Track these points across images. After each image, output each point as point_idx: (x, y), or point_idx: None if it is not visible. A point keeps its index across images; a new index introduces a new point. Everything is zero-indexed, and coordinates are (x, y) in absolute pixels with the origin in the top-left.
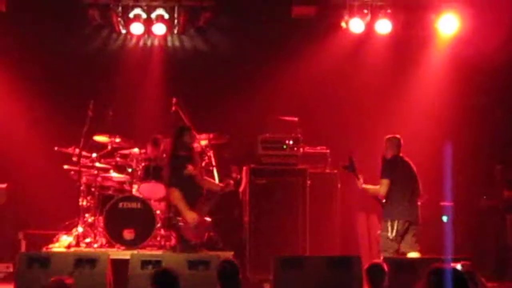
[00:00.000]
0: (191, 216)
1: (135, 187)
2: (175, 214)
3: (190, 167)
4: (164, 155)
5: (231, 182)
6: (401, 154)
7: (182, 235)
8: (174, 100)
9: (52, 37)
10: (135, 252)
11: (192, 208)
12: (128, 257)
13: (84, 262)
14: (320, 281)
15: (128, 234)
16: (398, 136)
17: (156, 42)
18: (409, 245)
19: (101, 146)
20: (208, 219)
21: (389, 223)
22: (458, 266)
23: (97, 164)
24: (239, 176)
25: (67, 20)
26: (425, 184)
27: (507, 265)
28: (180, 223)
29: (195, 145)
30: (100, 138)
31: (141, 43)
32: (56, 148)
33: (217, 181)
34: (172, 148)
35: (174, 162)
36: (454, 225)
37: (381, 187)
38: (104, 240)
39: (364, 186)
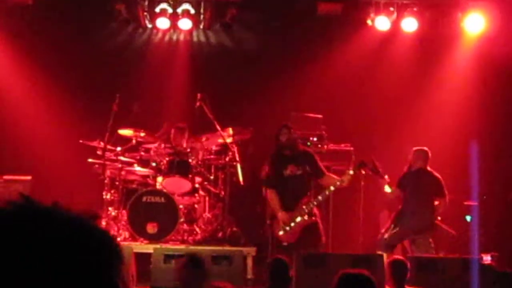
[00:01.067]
0: (283, 217)
1: (158, 181)
2: (271, 216)
3: (291, 168)
4: (187, 146)
5: (350, 173)
6: (428, 167)
7: (275, 235)
8: (199, 95)
9: (78, 31)
10: (158, 246)
11: (289, 209)
12: (151, 250)
13: None
14: None
15: (151, 228)
16: (425, 148)
17: (181, 37)
18: (425, 248)
19: (126, 140)
20: (310, 218)
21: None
22: (488, 258)
23: (121, 158)
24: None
25: (94, 14)
26: (450, 184)
27: None
28: (269, 222)
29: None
30: (124, 132)
31: (166, 38)
32: (81, 141)
33: (240, 176)
34: (276, 148)
35: (274, 161)
36: (479, 224)
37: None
38: (127, 234)
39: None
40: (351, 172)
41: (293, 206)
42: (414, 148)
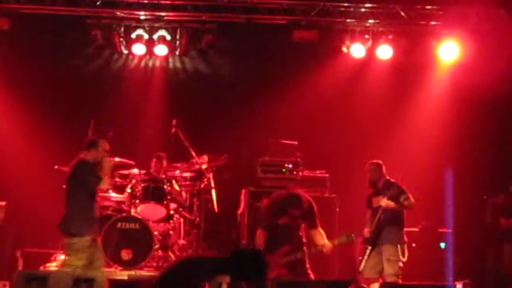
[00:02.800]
0: None
1: (134, 207)
2: None
3: (285, 219)
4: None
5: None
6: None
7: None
8: (174, 121)
9: (54, 56)
10: (132, 272)
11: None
12: (125, 277)
13: (82, 281)
14: None
15: (125, 255)
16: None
17: (157, 63)
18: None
19: None
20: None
21: (399, 247)
22: (460, 286)
23: None
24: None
25: (70, 39)
26: (424, 210)
27: None
28: None
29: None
30: None
31: (142, 63)
32: (56, 167)
33: (215, 203)
34: (278, 197)
35: (274, 208)
36: (453, 251)
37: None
38: None
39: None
40: (335, 242)
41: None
42: (371, 162)
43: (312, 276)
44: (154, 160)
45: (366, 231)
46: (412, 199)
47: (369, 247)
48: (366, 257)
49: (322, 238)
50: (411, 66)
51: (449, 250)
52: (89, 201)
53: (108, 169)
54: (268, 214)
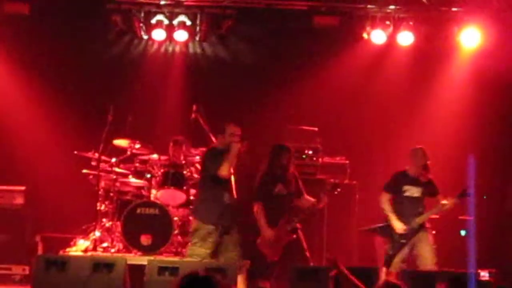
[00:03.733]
0: (268, 233)
1: (153, 192)
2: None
3: (280, 187)
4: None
5: (324, 198)
6: None
7: (259, 251)
8: (194, 107)
9: (74, 42)
10: (152, 258)
11: (272, 225)
12: (145, 262)
13: (102, 266)
14: None
15: (145, 240)
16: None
17: (177, 49)
18: None
19: (120, 151)
20: (291, 236)
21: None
22: (486, 274)
23: (116, 169)
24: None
25: (90, 25)
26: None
27: None
28: (258, 240)
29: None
30: (119, 143)
31: (162, 49)
32: (75, 152)
33: (233, 189)
34: (267, 166)
35: (266, 178)
36: (474, 239)
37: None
38: (121, 245)
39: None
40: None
41: (277, 223)
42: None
43: (308, 253)
44: (171, 144)
45: (403, 228)
46: None
47: (405, 241)
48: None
49: (310, 200)
50: (432, 53)
51: (470, 237)
52: (215, 189)
53: (234, 154)
54: (261, 184)
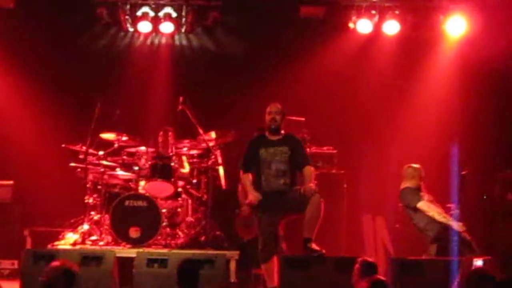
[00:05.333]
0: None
1: (141, 185)
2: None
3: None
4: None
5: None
6: None
7: (236, 232)
8: (180, 98)
9: (59, 35)
10: (140, 250)
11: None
12: (134, 255)
13: (90, 259)
14: (326, 281)
15: (134, 232)
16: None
17: (163, 41)
18: None
19: (108, 144)
20: None
21: None
22: (480, 262)
23: (104, 162)
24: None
25: (75, 18)
26: (431, 186)
27: None
28: (238, 213)
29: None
30: (107, 136)
31: (148, 41)
32: (63, 145)
33: (223, 180)
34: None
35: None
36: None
37: None
38: (110, 238)
39: None
40: None
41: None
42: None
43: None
44: (161, 133)
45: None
46: None
47: None
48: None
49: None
50: (418, 41)
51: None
52: None
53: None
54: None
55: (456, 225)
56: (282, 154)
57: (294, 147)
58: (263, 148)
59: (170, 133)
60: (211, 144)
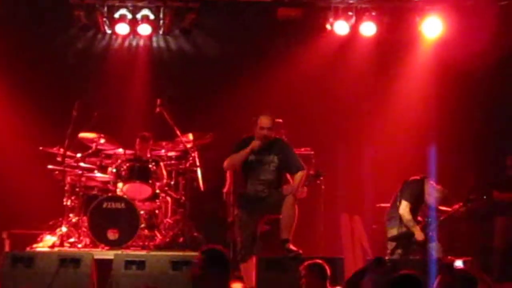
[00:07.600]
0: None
1: (119, 187)
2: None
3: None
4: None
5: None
6: None
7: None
8: (158, 100)
9: (37, 37)
10: (119, 252)
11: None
12: (112, 257)
13: (68, 261)
14: None
15: (112, 234)
16: None
17: (141, 43)
18: None
19: (85, 147)
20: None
21: None
22: (459, 262)
23: (82, 164)
24: None
25: (53, 20)
26: None
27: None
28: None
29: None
30: (86, 135)
31: (126, 43)
32: (40, 148)
33: (201, 181)
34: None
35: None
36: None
37: None
38: (88, 240)
39: None
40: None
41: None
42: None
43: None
44: (138, 140)
45: None
46: None
47: None
48: None
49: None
50: (395, 43)
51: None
52: None
53: (247, 150)
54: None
55: (419, 236)
56: (271, 164)
57: (283, 156)
58: (252, 154)
59: (149, 139)
60: (188, 145)
